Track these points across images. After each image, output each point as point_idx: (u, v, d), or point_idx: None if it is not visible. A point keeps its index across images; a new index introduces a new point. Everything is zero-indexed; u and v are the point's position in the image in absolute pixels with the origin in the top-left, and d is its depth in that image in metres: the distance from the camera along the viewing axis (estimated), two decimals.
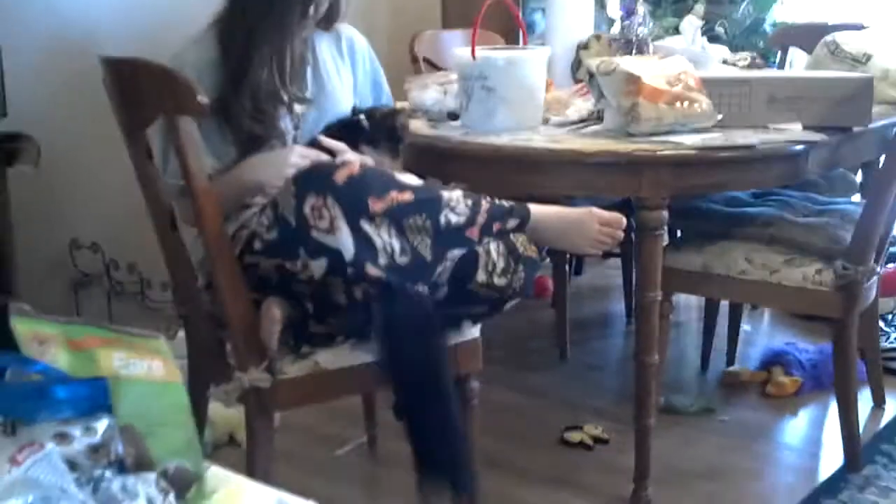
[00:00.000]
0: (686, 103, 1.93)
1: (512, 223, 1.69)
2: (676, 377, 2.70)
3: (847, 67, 2.39)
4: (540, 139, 1.98)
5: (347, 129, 1.87)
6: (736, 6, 3.31)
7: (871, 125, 2.10)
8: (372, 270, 1.53)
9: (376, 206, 1.54)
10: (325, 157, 1.73)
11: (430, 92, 2.26)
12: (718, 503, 2.09)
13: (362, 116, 1.89)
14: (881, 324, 2.73)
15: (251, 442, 1.69)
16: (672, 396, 2.51)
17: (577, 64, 2.54)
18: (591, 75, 2.02)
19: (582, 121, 2.14)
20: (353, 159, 1.75)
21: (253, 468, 1.65)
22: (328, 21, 1.92)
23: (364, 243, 1.54)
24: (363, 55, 2.01)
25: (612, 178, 1.90)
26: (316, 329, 1.67)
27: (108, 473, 0.89)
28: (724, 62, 2.55)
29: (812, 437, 2.44)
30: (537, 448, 2.34)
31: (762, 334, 3.09)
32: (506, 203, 1.69)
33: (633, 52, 2.38)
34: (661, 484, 2.10)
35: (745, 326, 2.91)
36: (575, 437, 2.35)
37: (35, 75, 2.42)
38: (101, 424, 0.92)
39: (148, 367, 0.93)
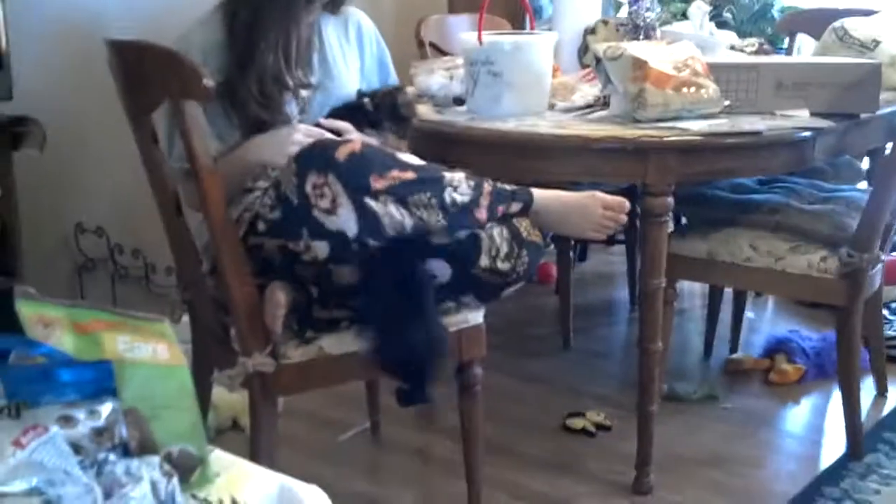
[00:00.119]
0: (693, 89, 1.92)
1: (515, 207, 1.68)
2: (680, 364, 2.70)
3: (855, 53, 2.37)
4: (546, 125, 1.97)
5: (352, 113, 1.86)
6: None
7: (879, 112, 2.10)
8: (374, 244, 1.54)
9: (378, 183, 1.53)
10: (329, 135, 1.73)
11: (436, 77, 2.25)
12: (721, 490, 2.09)
13: (366, 100, 1.88)
14: (885, 312, 2.73)
15: (255, 427, 1.69)
16: (675, 383, 2.51)
17: (583, 49, 2.53)
18: (598, 60, 2.01)
19: (588, 106, 2.13)
20: (355, 137, 1.75)
21: (256, 453, 1.65)
22: (335, 4, 1.91)
23: (370, 219, 1.53)
24: (370, 39, 2.00)
25: (618, 164, 1.89)
26: (320, 314, 1.67)
27: (112, 456, 0.89)
28: (732, 48, 2.53)
29: (814, 425, 2.44)
30: (540, 434, 2.34)
31: (766, 322, 3.09)
32: (508, 187, 1.68)
33: (641, 37, 2.37)
34: (664, 471, 2.11)
35: (748, 314, 2.90)
36: (577, 423, 2.36)
37: (41, 58, 2.41)
38: (106, 408, 0.92)
39: (153, 350, 0.93)
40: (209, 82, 1.50)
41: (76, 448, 0.87)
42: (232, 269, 1.59)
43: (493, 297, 1.74)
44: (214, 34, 1.78)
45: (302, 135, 1.70)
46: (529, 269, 1.70)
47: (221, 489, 0.96)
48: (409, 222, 1.55)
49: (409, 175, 1.56)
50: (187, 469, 0.95)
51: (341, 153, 1.53)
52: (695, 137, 1.85)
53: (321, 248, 1.55)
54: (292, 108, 1.83)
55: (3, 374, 0.95)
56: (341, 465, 2.20)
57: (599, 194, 1.75)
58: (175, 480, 0.91)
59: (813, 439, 2.35)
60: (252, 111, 1.76)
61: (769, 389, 2.59)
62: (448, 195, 1.58)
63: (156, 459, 0.91)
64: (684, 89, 1.91)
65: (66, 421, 0.89)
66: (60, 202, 2.50)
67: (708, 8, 2.55)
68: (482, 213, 1.62)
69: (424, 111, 2.12)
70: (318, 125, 1.80)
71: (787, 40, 3.01)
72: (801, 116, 2.00)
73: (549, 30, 2.53)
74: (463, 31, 2.36)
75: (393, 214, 1.54)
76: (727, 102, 1.96)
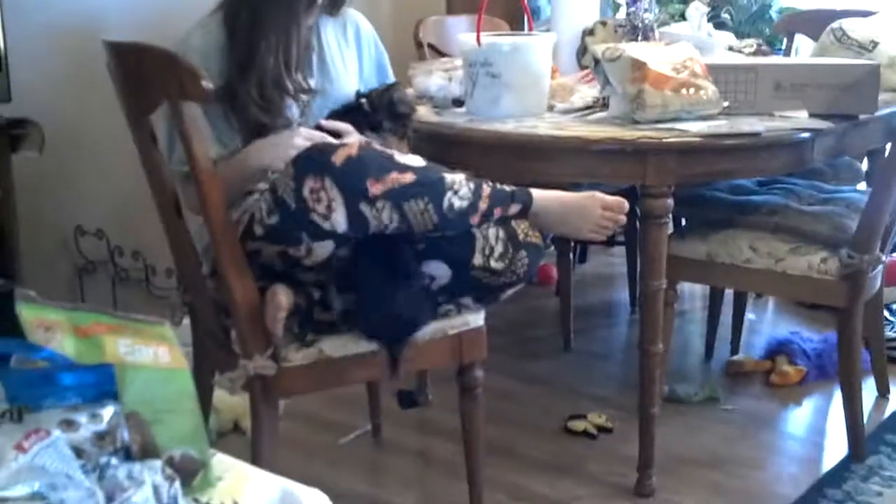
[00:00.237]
0: (692, 90, 1.92)
1: (514, 209, 1.68)
2: (680, 366, 2.70)
3: (853, 55, 2.37)
4: (545, 126, 1.97)
5: (351, 115, 1.86)
6: None
7: (877, 113, 2.10)
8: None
9: (375, 187, 1.53)
10: (329, 139, 1.72)
11: (435, 78, 2.25)
12: (722, 492, 2.09)
13: (363, 101, 1.88)
14: (886, 313, 2.72)
15: (256, 429, 1.69)
16: (676, 385, 2.51)
17: (582, 50, 2.53)
18: (597, 62, 2.01)
19: (587, 107, 2.13)
20: (353, 140, 1.75)
21: (257, 456, 1.65)
22: (334, 6, 1.91)
23: (361, 223, 1.54)
24: (369, 41, 2.00)
25: (617, 165, 1.89)
26: (321, 316, 1.67)
27: (114, 460, 0.89)
28: (730, 49, 2.53)
29: (816, 427, 2.43)
30: (541, 436, 2.34)
31: (766, 323, 3.08)
32: (507, 188, 1.68)
33: (639, 38, 2.37)
34: (665, 473, 2.11)
35: (749, 315, 2.90)
36: (578, 425, 2.35)
37: (40, 60, 2.41)
38: (107, 411, 0.92)
39: (154, 353, 0.93)
40: (208, 84, 1.50)
41: (78, 452, 0.87)
42: (232, 271, 1.59)
43: (492, 299, 1.74)
44: (214, 37, 1.78)
45: (303, 139, 1.69)
46: (530, 270, 1.70)
47: (223, 493, 0.96)
48: (393, 226, 1.56)
49: (408, 178, 1.56)
50: (189, 473, 0.95)
51: (338, 157, 1.53)
52: (694, 139, 1.85)
53: (324, 248, 1.55)
54: (293, 112, 1.83)
55: (5, 378, 0.95)
56: (342, 468, 2.20)
57: (598, 195, 1.75)
58: (177, 484, 0.91)
59: (814, 441, 2.35)
60: (252, 114, 1.76)
61: (770, 391, 2.58)
62: (447, 200, 1.58)
63: (158, 463, 0.91)
64: (683, 90, 1.91)
65: (68, 425, 0.89)
66: (60, 204, 2.50)
67: (706, 9, 2.55)
68: (476, 219, 1.62)
69: (423, 113, 2.12)
70: (318, 127, 1.80)
71: (785, 41, 3.01)
72: (799, 117, 2.00)
73: (548, 31, 2.53)
74: (461, 32, 2.36)
75: (382, 220, 1.54)
76: (726, 104, 1.96)
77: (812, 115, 2.01)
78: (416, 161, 1.62)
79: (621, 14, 2.89)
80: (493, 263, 1.65)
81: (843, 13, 2.62)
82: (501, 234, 1.66)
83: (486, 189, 1.63)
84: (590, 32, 2.52)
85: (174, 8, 2.41)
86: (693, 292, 3.28)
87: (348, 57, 1.95)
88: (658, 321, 1.99)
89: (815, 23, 2.71)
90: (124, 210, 2.58)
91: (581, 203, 1.74)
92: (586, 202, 1.74)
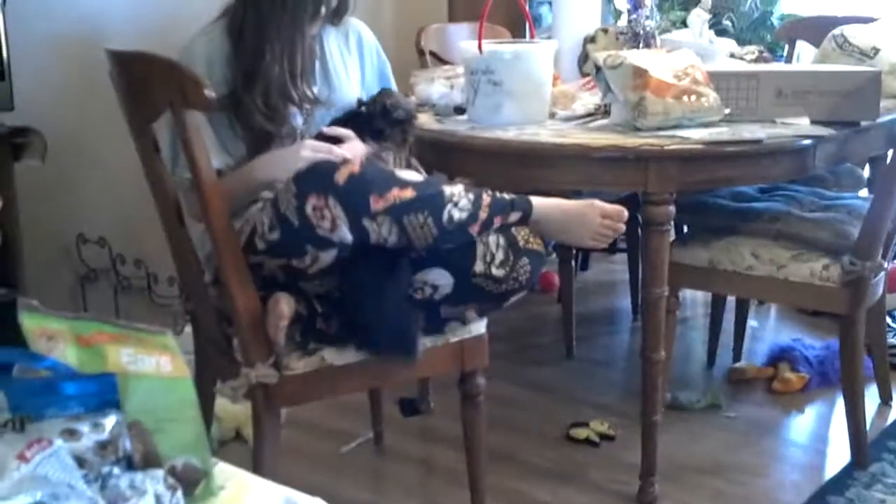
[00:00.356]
0: (693, 97, 1.92)
1: (514, 217, 1.68)
2: (683, 373, 2.69)
3: (855, 61, 2.38)
4: (546, 133, 1.97)
5: (352, 122, 1.86)
6: None
7: (879, 120, 2.10)
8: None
9: (377, 204, 1.53)
10: (337, 150, 1.72)
11: (437, 86, 2.25)
12: (725, 500, 2.09)
13: (363, 109, 1.89)
14: (888, 320, 2.72)
15: (258, 438, 1.69)
16: (678, 392, 2.51)
17: (583, 57, 2.54)
18: (598, 69, 2.02)
19: (589, 115, 2.13)
20: (358, 150, 1.75)
21: (259, 464, 1.65)
22: (337, 15, 1.91)
23: (362, 237, 1.54)
24: (371, 50, 2.00)
25: (618, 172, 1.89)
26: (323, 325, 1.67)
27: (116, 470, 0.89)
28: (732, 56, 2.54)
29: (819, 434, 2.43)
30: (543, 444, 2.34)
31: (769, 330, 3.08)
32: (507, 196, 1.68)
33: (641, 45, 2.37)
34: (668, 480, 2.10)
35: (751, 322, 2.90)
36: (581, 433, 2.35)
37: (42, 69, 2.41)
38: (110, 421, 0.92)
39: (156, 362, 0.93)
40: (210, 92, 1.50)
41: (80, 461, 0.87)
42: (234, 279, 1.59)
43: (495, 307, 1.74)
44: (218, 45, 1.78)
45: (310, 151, 1.69)
46: (531, 277, 1.69)
47: (225, 502, 0.96)
48: (393, 239, 1.56)
49: (409, 193, 1.56)
50: (191, 482, 0.94)
51: (341, 176, 1.53)
52: (695, 146, 1.85)
53: (329, 255, 1.56)
54: (297, 121, 1.83)
55: (7, 388, 0.95)
56: (345, 476, 2.20)
57: (598, 203, 1.75)
58: (179, 494, 0.90)
59: (817, 448, 2.34)
60: (257, 123, 1.76)
61: (773, 398, 2.58)
62: (447, 212, 1.58)
63: (160, 473, 0.91)
64: (685, 98, 1.92)
65: (70, 434, 0.89)
66: (62, 213, 2.50)
67: (707, 16, 2.55)
68: (476, 229, 1.62)
69: (425, 120, 2.12)
70: (320, 133, 1.80)
71: (786, 48, 3.01)
72: (801, 124, 2.00)
73: (549, 38, 2.53)
74: (463, 40, 2.36)
75: (382, 233, 1.54)
76: (727, 111, 1.97)
77: (814, 122, 2.01)
78: (416, 176, 1.63)
79: (623, 21, 2.91)
80: (494, 271, 1.65)
81: (845, 20, 2.62)
82: (501, 241, 1.66)
83: (486, 199, 1.64)
84: (591, 40, 2.53)
85: (177, 16, 2.42)
86: (695, 299, 3.28)
87: (350, 65, 1.96)
88: (660, 328, 1.99)
89: (816, 29, 2.71)
90: (126, 218, 2.58)
91: (581, 211, 1.75)
92: (585, 210, 1.74)
